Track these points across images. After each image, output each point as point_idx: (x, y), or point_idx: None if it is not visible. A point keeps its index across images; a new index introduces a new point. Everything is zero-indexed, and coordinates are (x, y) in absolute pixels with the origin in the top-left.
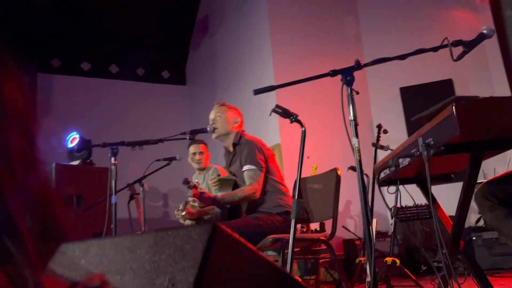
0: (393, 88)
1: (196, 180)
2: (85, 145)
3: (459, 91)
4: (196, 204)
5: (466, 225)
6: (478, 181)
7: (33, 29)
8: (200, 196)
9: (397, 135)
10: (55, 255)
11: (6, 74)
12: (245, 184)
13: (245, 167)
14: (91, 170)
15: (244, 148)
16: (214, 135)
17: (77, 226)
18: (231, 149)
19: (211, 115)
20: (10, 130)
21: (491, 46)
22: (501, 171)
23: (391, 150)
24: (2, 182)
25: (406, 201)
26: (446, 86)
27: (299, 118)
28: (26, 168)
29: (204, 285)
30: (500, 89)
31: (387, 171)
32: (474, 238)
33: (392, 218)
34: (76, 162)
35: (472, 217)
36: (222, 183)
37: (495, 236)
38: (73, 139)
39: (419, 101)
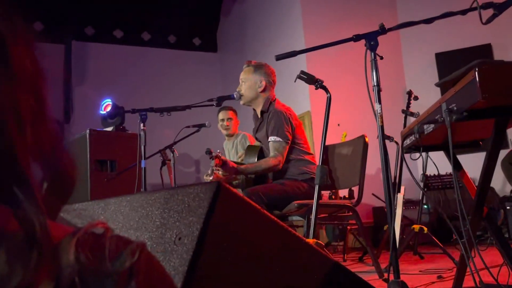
0: (428, 53)
1: (218, 151)
2: (118, 112)
3: (498, 56)
4: (220, 173)
5: (501, 194)
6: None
7: None
8: (223, 166)
9: (432, 103)
10: (75, 211)
11: (15, 35)
12: (269, 153)
13: (271, 138)
14: (124, 136)
15: (272, 118)
16: (241, 102)
17: (111, 189)
18: (259, 114)
19: (240, 79)
20: (19, 90)
21: None
22: None
23: None
24: (12, 140)
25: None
26: (484, 51)
27: (324, 84)
28: (36, 126)
29: (208, 238)
30: None
31: (412, 137)
32: (508, 207)
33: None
34: (109, 129)
35: (508, 187)
36: (248, 149)
37: None
38: (106, 106)
39: (456, 67)
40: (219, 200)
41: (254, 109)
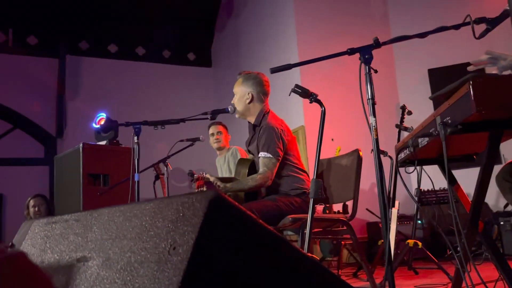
0: (421, 69)
1: (201, 172)
2: (111, 125)
3: (490, 72)
4: None
5: (495, 210)
6: (500, 165)
7: (62, 12)
8: (207, 185)
9: (425, 118)
10: (67, 222)
11: None
12: (259, 168)
13: (261, 154)
14: (117, 150)
15: (263, 133)
16: (236, 115)
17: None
18: (251, 127)
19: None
20: None
21: None
22: (509, 158)
23: None
24: None
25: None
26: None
27: (318, 98)
28: None
29: (203, 248)
30: None
31: (406, 151)
32: (502, 222)
33: (418, 201)
34: (103, 142)
35: (501, 202)
36: (239, 162)
37: None
38: (100, 120)
39: (448, 82)
40: (215, 210)
41: (249, 122)
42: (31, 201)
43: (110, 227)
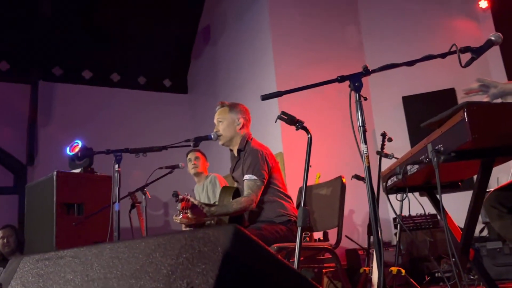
0: (395, 96)
1: (186, 193)
2: (87, 153)
3: (462, 100)
4: (188, 215)
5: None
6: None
7: (35, 37)
8: (192, 208)
9: (399, 144)
10: (63, 259)
11: None
12: (244, 193)
13: (246, 176)
14: (93, 178)
15: (248, 156)
16: (220, 142)
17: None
18: (236, 153)
19: (215, 120)
20: None
21: (494, 54)
22: (504, 180)
23: (396, 158)
24: None
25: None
26: (448, 95)
27: (304, 125)
28: None
29: (225, 286)
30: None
31: (394, 178)
32: (477, 248)
33: (396, 227)
34: (77, 170)
35: (476, 227)
36: (223, 190)
37: (499, 246)
38: (74, 147)
39: (421, 109)
40: (234, 245)
41: (231, 150)
42: (0, 232)
43: (114, 264)
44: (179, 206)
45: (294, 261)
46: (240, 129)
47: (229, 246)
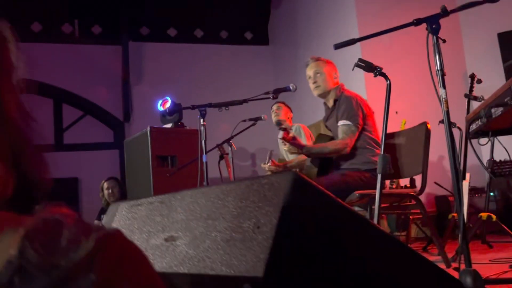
0: (490, 34)
1: (290, 127)
2: (176, 108)
3: None
4: (285, 148)
5: None
6: None
7: (123, 1)
8: (290, 141)
9: (495, 85)
10: (152, 204)
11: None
12: (338, 138)
13: (341, 122)
14: (183, 132)
15: (343, 103)
16: (316, 92)
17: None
18: (331, 104)
19: (309, 72)
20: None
21: None
22: None
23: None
24: None
25: (502, 155)
26: None
27: (383, 71)
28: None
29: (287, 227)
30: None
31: (478, 122)
32: None
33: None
34: (168, 125)
35: None
36: (319, 137)
37: None
38: (164, 103)
39: None
40: (294, 190)
41: (324, 103)
42: (105, 183)
43: (194, 208)
44: (281, 134)
45: (375, 207)
46: (336, 83)
47: (289, 191)
